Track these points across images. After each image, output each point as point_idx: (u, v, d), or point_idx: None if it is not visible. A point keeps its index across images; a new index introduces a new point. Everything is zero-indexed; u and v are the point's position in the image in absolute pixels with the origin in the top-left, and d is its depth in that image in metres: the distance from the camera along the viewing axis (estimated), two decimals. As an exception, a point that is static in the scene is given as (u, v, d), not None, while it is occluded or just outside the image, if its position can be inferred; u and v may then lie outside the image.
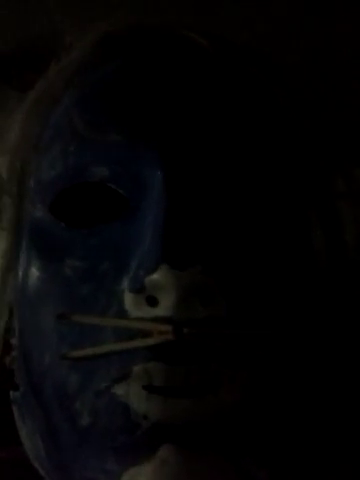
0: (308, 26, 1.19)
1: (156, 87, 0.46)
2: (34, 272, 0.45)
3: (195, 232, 0.41)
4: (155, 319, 0.40)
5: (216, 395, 0.41)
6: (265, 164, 0.45)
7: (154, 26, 0.50)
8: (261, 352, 0.42)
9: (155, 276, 0.40)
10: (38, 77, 0.50)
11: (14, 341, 0.47)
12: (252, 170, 0.45)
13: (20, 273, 0.46)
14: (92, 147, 0.45)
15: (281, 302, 0.44)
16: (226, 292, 0.42)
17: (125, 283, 0.42)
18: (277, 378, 0.43)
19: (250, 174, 0.45)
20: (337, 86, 1.20)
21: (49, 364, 0.44)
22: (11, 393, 0.47)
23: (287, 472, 0.44)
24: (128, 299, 0.41)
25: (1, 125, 0.51)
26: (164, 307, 0.40)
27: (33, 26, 1.05)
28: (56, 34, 0.51)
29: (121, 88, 0.46)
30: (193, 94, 0.45)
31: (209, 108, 0.45)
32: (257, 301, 0.43)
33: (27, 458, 0.47)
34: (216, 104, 0.45)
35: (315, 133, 0.51)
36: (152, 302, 0.41)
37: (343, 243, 0.49)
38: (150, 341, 0.40)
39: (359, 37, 1.19)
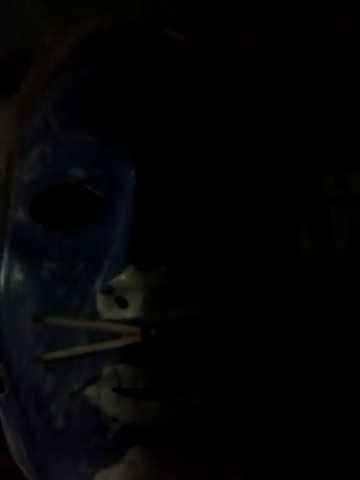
0: (308, 26, 1.19)
1: (131, 87, 0.45)
2: (15, 275, 0.45)
3: (163, 233, 0.41)
4: (124, 321, 0.40)
5: (186, 397, 0.40)
6: (243, 164, 0.45)
7: (132, 26, 0.50)
8: (235, 353, 0.42)
9: (122, 277, 0.40)
10: (22, 80, 0.51)
11: (2, 348, 0.47)
12: (229, 170, 0.44)
13: (2, 276, 0.46)
14: (68, 149, 0.45)
15: (259, 303, 0.43)
16: (199, 292, 0.41)
17: (97, 285, 0.42)
18: (251, 380, 0.43)
19: (227, 174, 0.44)
20: (336, 86, 1.20)
21: (26, 366, 0.44)
22: None
23: (264, 476, 0.44)
24: (100, 300, 0.41)
25: None
26: (133, 308, 0.40)
27: (13, 27, 1.05)
28: (36, 35, 0.51)
29: (96, 89, 0.46)
30: (168, 93, 0.45)
31: (185, 107, 0.45)
32: (233, 301, 0.42)
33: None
34: (193, 103, 0.45)
35: (306, 134, 0.51)
36: (122, 303, 0.41)
37: (332, 247, 0.49)
38: (119, 343, 0.40)
39: (359, 37, 1.19)
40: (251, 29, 1.06)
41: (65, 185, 0.45)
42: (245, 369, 0.42)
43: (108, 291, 0.41)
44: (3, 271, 0.46)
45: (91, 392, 0.41)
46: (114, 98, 0.45)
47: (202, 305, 0.41)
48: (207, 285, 0.42)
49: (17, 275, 0.45)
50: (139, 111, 0.44)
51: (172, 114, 0.45)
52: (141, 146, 0.43)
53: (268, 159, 0.46)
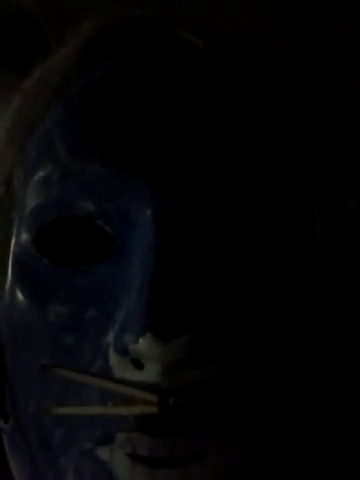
0: (308, 26, 1.17)
1: (145, 108, 0.42)
2: (19, 310, 0.42)
3: (184, 295, 0.38)
4: (140, 384, 0.38)
5: (201, 463, 0.39)
6: (271, 200, 0.41)
7: (145, 24, 0.46)
8: (249, 412, 0.40)
9: (139, 346, 0.37)
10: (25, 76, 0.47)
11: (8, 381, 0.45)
12: (255, 209, 0.41)
13: (5, 306, 0.43)
14: (76, 178, 0.41)
15: (278, 359, 0.41)
16: (217, 352, 0.39)
17: (110, 337, 0.39)
18: (267, 437, 0.41)
19: (252, 215, 0.41)
20: (336, 86, 1.18)
21: (34, 412, 0.42)
22: (1, 422, 0.45)
23: None
24: (113, 358, 0.39)
25: None
26: (150, 373, 0.38)
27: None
28: (38, 32, 0.48)
29: (106, 107, 0.42)
30: (187, 116, 0.41)
31: (205, 133, 0.41)
32: (250, 359, 0.40)
33: None
34: (214, 128, 0.41)
35: (323, 139, 0.47)
36: (138, 365, 0.38)
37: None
38: (134, 410, 0.38)
39: (359, 37, 1.17)
40: (250, 30, 1.03)
41: (73, 217, 0.42)
42: (260, 427, 0.40)
43: (123, 352, 0.38)
44: (6, 301, 0.43)
45: (104, 454, 0.39)
46: (126, 120, 0.41)
47: (221, 364, 0.39)
48: (226, 345, 0.40)
49: (21, 311, 0.42)
50: (154, 136, 0.41)
51: (190, 140, 0.41)
52: (157, 179, 0.40)
53: (289, 187, 0.42)
